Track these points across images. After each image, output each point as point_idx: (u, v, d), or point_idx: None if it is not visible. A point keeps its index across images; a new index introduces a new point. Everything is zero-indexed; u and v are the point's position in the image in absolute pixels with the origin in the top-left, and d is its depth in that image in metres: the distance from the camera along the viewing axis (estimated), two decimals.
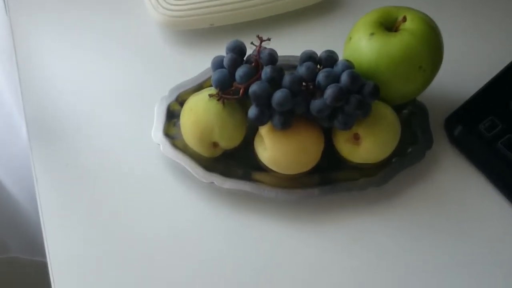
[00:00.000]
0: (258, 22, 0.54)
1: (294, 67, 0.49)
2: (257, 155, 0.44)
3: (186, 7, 0.52)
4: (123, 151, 0.47)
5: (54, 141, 0.47)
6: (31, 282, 0.83)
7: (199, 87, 0.49)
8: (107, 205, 0.44)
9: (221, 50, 0.49)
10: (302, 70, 0.40)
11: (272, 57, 0.41)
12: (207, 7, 0.52)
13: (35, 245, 0.75)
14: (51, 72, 0.52)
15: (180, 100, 0.48)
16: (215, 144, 0.44)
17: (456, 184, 0.45)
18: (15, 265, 0.79)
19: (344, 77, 0.39)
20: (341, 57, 0.43)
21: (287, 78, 0.40)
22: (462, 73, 0.50)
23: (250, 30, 0.54)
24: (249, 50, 0.44)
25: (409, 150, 0.44)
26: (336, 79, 0.40)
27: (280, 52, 0.43)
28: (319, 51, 0.46)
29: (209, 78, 0.49)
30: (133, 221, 0.43)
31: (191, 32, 0.54)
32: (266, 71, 0.40)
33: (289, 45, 0.51)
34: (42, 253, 0.77)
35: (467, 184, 0.45)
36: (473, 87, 0.48)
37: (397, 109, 0.45)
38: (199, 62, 0.50)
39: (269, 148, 0.42)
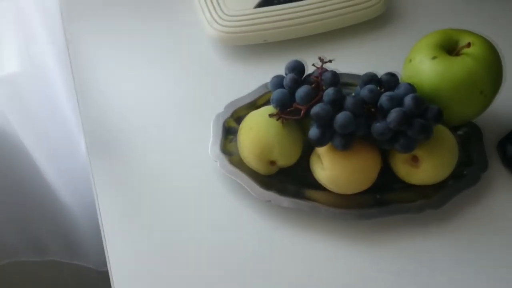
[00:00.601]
0: (311, 38, 0.54)
1: (347, 84, 0.50)
2: (312, 173, 0.45)
3: (240, 23, 0.52)
4: (179, 166, 0.47)
5: (112, 155, 0.48)
6: (66, 285, 0.85)
7: (253, 104, 0.49)
8: (165, 218, 0.45)
9: (274, 66, 0.50)
10: (364, 92, 0.41)
11: (335, 78, 0.42)
12: (261, 23, 0.52)
13: (74, 249, 0.77)
14: (108, 86, 0.53)
15: (236, 117, 0.49)
16: (272, 162, 0.44)
17: (510, 207, 0.45)
18: (53, 268, 0.80)
19: (408, 101, 0.40)
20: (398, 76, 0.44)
21: (349, 101, 0.40)
22: None
23: (303, 45, 0.54)
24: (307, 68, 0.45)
25: (465, 172, 0.45)
26: (399, 102, 0.40)
27: (333, 67, 0.43)
28: (370, 67, 0.47)
29: (264, 94, 0.50)
30: (190, 235, 0.44)
31: (244, 47, 0.55)
32: (329, 93, 0.41)
33: (342, 60, 0.51)
34: (80, 257, 0.79)
35: None
36: None
37: (452, 129, 0.45)
38: (252, 78, 0.51)
39: (328, 168, 0.43)
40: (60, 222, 0.69)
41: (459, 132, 0.47)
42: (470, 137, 0.47)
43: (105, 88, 0.52)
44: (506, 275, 0.42)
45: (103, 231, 0.44)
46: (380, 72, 0.45)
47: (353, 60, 0.53)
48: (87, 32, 0.56)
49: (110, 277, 0.43)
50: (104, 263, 0.43)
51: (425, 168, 0.42)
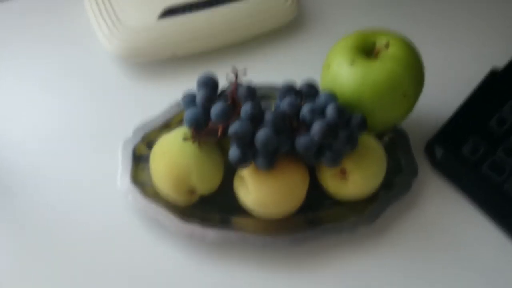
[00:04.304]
0: (223, 49, 0.50)
1: (265, 96, 0.47)
2: (237, 198, 0.40)
3: (143, 36, 0.47)
4: (85, 204, 0.41)
5: (3, 194, 0.41)
6: None
7: (165, 125, 0.45)
8: (72, 267, 0.39)
9: (186, 81, 0.45)
10: (284, 105, 0.37)
11: (251, 92, 0.38)
12: (167, 36, 0.48)
13: None
14: None
15: (147, 141, 0.43)
16: (191, 191, 0.39)
17: (443, 211, 0.43)
18: None
19: (330, 111, 0.37)
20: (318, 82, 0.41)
21: (269, 116, 0.37)
22: (440, 94, 0.48)
23: (215, 58, 0.50)
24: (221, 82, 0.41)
25: (395, 180, 0.43)
26: (321, 113, 0.37)
27: (249, 79, 0.40)
28: (288, 76, 0.43)
29: (177, 114, 0.45)
30: (103, 280, 0.38)
31: (150, 63, 0.49)
32: (246, 108, 0.37)
33: (258, 71, 0.48)
34: None
35: (455, 210, 0.43)
36: (453, 108, 0.47)
37: (378, 136, 0.43)
38: (162, 97, 0.46)
39: (253, 191, 0.39)
40: None
41: (385, 139, 0.45)
42: (396, 143, 0.45)
43: None
44: (445, 278, 0.40)
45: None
46: (299, 80, 0.42)
47: (269, 70, 0.50)
48: None
49: None
50: None
51: (354, 180, 0.39)
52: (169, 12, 0.48)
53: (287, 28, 0.52)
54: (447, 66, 0.52)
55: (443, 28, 0.55)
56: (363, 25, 0.45)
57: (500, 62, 0.50)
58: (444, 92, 0.48)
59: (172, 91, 0.46)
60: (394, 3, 0.56)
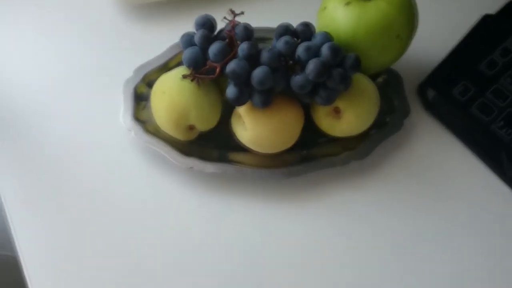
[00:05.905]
0: None
1: (261, 39, 0.48)
2: (234, 135, 0.42)
3: None
4: (89, 140, 0.43)
5: (10, 134, 0.43)
6: None
7: (165, 66, 0.46)
8: (77, 198, 0.41)
9: (183, 24, 0.46)
10: (280, 44, 0.39)
11: (248, 32, 0.39)
12: None
13: None
14: None
15: (147, 81, 0.45)
16: (191, 127, 0.41)
17: (434, 150, 0.45)
18: None
19: (325, 51, 0.38)
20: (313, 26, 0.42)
21: (265, 55, 0.38)
22: (432, 37, 0.49)
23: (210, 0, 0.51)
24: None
25: (387, 119, 0.44)
26: (316, 52, 0.38)
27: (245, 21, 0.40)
28: (282, 19, 0.44)
29: (175, 55, 0.46)
30: (107, 214, 0.41)
31: (149, 6, 0.50)
32: (243, 47, 0.38)
33: (252, 14, 0.48)
34: None
35: (444, 148, 0.45)
36: (445, 51, 0.48)
37: (371, 77, 0.44)
38: (161, 38, 0.46)
39: (250, 128, 0.40)
40: None
41: (379, 80, 0.46)
42: (390, 84, 0.46)
43: None
44: (434, 214, 0.42)
45: (9, 215, 0.40)
46: (294, 23, 0.43)
47: (264, 13, 0.50)
48: None
49: (22, 265, 0.39)
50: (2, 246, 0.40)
51: (347, 119, 0.41)
52: None
53: None
54: (440, 10, 0.52)
55: None
56: None
57: (491, 9, 0.51)
58: (437, 36, 0.49)
59: (170, 33, 0.46)
60: None
